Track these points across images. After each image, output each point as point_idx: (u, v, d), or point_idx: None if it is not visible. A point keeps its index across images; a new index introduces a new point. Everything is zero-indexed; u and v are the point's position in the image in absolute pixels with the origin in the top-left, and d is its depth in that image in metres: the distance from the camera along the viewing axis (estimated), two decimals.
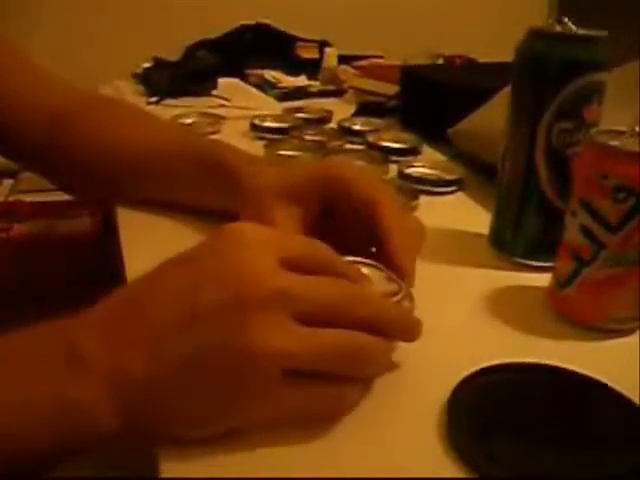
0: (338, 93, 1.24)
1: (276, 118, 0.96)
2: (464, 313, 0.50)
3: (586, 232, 0.46)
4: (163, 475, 0.34)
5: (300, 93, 1.21)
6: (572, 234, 0.48)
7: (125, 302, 0.37)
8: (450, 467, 0.35)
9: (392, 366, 0.42)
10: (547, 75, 0.52)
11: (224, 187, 0.56)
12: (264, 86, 1.26)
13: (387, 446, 0.37)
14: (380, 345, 0.38)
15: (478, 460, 0.35)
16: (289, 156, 0.78)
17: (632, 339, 0.47)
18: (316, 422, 0.37)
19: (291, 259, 0.36)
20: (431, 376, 0.42)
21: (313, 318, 0.35)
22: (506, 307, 0.51)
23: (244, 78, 1.33)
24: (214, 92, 1.19)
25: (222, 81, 1.23)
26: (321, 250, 0.39)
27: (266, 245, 0.36)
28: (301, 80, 1.27)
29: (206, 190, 0.59)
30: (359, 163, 0.73)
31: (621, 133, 0.47)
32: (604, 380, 0.40)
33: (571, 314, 0.49)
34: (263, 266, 0.35)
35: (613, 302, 0.47)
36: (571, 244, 0.48)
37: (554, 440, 0.37)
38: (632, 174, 0.43)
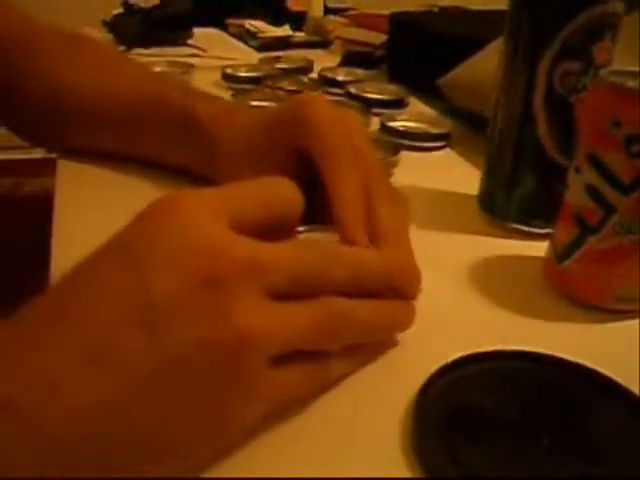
0: (324, 44, 1.16)
1: (251, 67, 0.88)
2: (446, 288, 0.43)
3: (593, 192, 0.39)
4: None
5: (282, 43, 1.12)
6: (576, 195, 0.40)
7: (49, 319, 0.27)
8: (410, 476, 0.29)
9: (402, 326, 0.36)
10: (550, 3, 0.44)
11: (197, 148, 0.50)
12: (244, 36, 1.18)
13: (341, 451, 0.30)
14: (365, 310, 0.33)
15: (444, 471, 0.28)
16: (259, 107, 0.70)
17: None
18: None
19: (243, 219, 0.29)
20: (404, 366, 0.36)
21: (287, 291, 0.29)
22: (495, 281, 0.44)
23: (224, 28, 1.25)
24: (189, 42, 1.12)
25: (199, 31, 1.16)
26: (280, 202, 0.32)
27: (209, 210, 0.29)
28: (284, 30, 1.19)
29: (173, 147, 0.53)
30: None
31: (637, 74, 0.39)
32: (606, 372, 0.34)
33: (571, 291, 0.42)
34: (216, 237, 0.28)
35: (621, 278, 0.40)
36: (574, 207, 0.40)
37: (538, 445, 0.30)
38: None
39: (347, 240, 0.36)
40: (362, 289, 0.33)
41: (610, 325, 0.40)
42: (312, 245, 0.32)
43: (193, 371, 0.26)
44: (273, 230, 0.31)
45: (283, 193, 0.32)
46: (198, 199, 0.29)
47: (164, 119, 0.53)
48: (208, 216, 0.28)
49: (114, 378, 0.25)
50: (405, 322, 0.36)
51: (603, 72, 0.41)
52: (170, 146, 0.53)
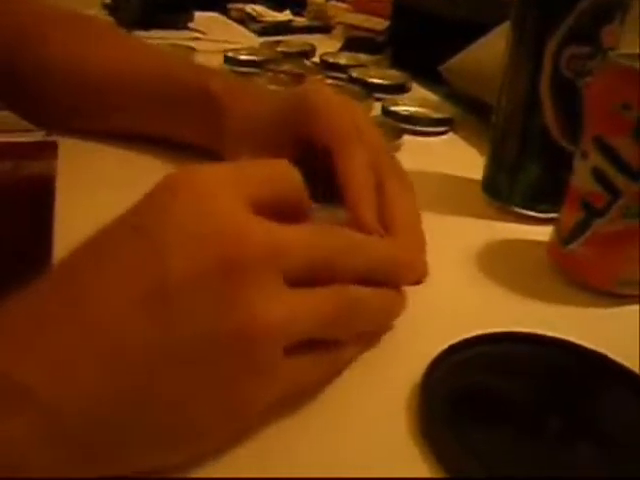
0: (325, 29, 1.15)
1: (252, 51, 0.87)
2: (451, 272, 0.43)
3: (600, 177, 0.38)
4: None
5: (283, 28, 1.11)
6: (582, 179, 0.40)
7: (59, 300, 0.26)
8: (419, 461, 0.28)
9: (396, 315, 0.36)
10: None
11: (209, 123, 0.50)
12: (245, 20, 1.17)
13: (348, 436, 0.30)
14: (376, 298, 0.33)
15: (454, 455, 0.28)
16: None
17: None
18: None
19: (260, 198, 0.28)
20: (408, 349, 0.35)
21: (302, 275, 0.28)
22: (500, 265, 0.44)
23: (225, 12, 1.24)
24: (190, 25, 1.10)
25: (200, 15, 1.15)
26: (293, 183, 0.31)
27: (227, 187, 0.28)
28: (285, 15, 1.18)
29: (186, 122, 0.52)
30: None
31: None
32: (612, 356, 0.33)
33: (576, 275, 0.41)
34: (235, 218, 0.27)
35: (627, 262, 0.39)
36: (580, 191, 0.40)
37: (545, 429, 0.30)
38: None
39: (360, 223, 0.36)
40: (375, 278, 0.32)
41: (615, 309, 0.40)
42: (330, 230, 0.32)
43: (208, 358, 0.25)
44: (286, 210, 0.30)
45: (294, 174, 0.32)
46: (215, 175, 0.28)
47: (177, 95, 0.52)
48: (226, 193, 0.27)
49: (129, 367, 0.25)
50: (399, 311, 0.36)
51: (612, 54, 0.40)
52: (182, 121, 0.53)
